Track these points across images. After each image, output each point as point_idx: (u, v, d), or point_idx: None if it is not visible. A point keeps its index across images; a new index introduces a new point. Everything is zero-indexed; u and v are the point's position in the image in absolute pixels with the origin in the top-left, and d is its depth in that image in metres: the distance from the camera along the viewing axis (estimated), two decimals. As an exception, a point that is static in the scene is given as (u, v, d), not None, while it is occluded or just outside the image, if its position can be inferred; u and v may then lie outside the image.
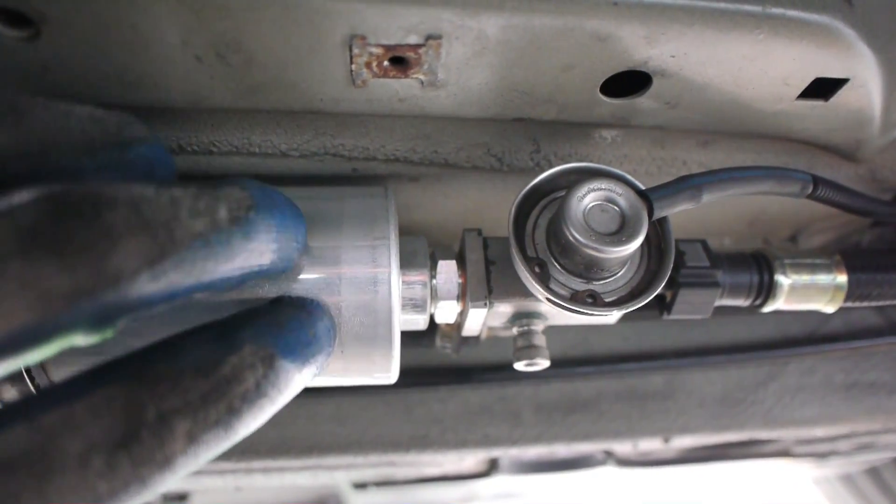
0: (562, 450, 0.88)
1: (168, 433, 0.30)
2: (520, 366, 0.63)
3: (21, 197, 0.26)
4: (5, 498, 0.27)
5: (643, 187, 0.54)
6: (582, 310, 0.53)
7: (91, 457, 0.28)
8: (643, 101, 0.59)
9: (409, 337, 0.74)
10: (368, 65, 0.52)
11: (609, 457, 0.99)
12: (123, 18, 0.48)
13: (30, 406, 0.29)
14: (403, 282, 0.58)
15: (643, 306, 0.54)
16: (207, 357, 0.33)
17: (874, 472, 1.41)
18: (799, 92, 0.58)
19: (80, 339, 0.28)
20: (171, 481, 0.31)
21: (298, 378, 0.35)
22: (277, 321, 0.36)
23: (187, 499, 1.17)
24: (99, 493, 0.29)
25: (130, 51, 0.51)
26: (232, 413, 0.32)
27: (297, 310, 0.39)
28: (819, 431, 0.91)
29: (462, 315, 0.62)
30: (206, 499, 1.17)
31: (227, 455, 0.82)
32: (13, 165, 0.30)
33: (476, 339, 0.69)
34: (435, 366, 0.87)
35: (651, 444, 0.91)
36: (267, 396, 0.34)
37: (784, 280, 0.67)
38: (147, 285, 0.29)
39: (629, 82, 0.58)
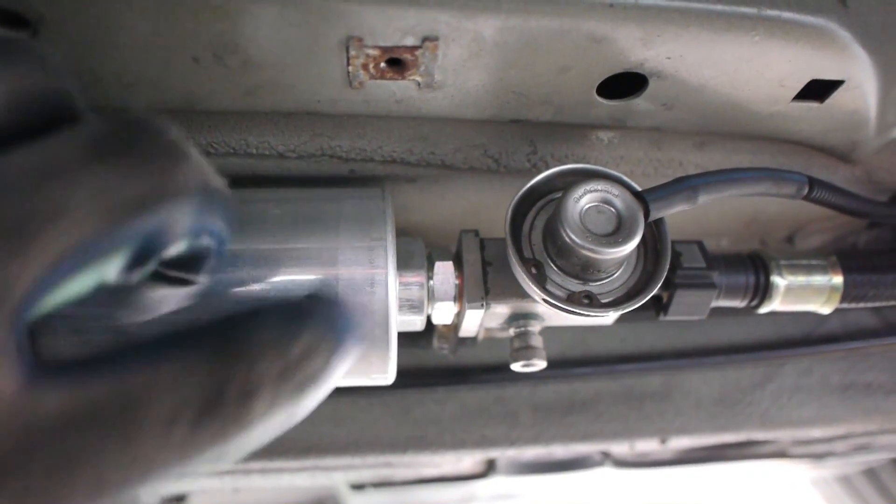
0: (559, 450, 0.88)
1: (250, 402, 0.31)
2: (517, 367, 0.63)
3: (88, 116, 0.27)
4: (89, 454, 0.26)
5: (639, 188, 0.54)
6: (578, 311, 0.53)
7: (178, 418, 0.29)
8: (639, 103, 0.59)
9: (406, 338, 0.74)
10: (365, 66, 0.52)
11: (606, 458, 0.99)
12: (121, 20, 0.48)
13: (116, 361, 0.29)
14: (400, 283, 0.58)
15: (640, 307, 0.54)
16: (281, 336, 0.33)
17: (871, 474, 1.41)
18: (794, 93, 0.59)
19: (113, 270, 0.28)
20: (241, 451, 0.32)
21: (345, 365, 0.36)
22: (334, 313, 0.37)
23: (185, 500, 1.17)
24: (181, 455, 0.29)
25: (127, 52, 0.51)
26: (300, 390, 0.33)
27: (340, 305, 0.40)
28: (816, 432, 0.91)
29: (459, 316, 0.62)
30: (204, 500, 1.17)
31: (225, 456, 0.82)
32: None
33: (473, 340, 0.69)
34: (432, 367, 0.87)
35: (648, 445, 0.91)
36: (325, 379, 0.35)
37: (780, 281, 0.67)
38: (198, 212, 0.30)
39: (625, 84, 0.58)
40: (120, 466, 0.27)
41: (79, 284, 0.27)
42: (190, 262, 0.34)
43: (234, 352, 0.32)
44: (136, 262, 0.29)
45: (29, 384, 0.26)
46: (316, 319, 0.36)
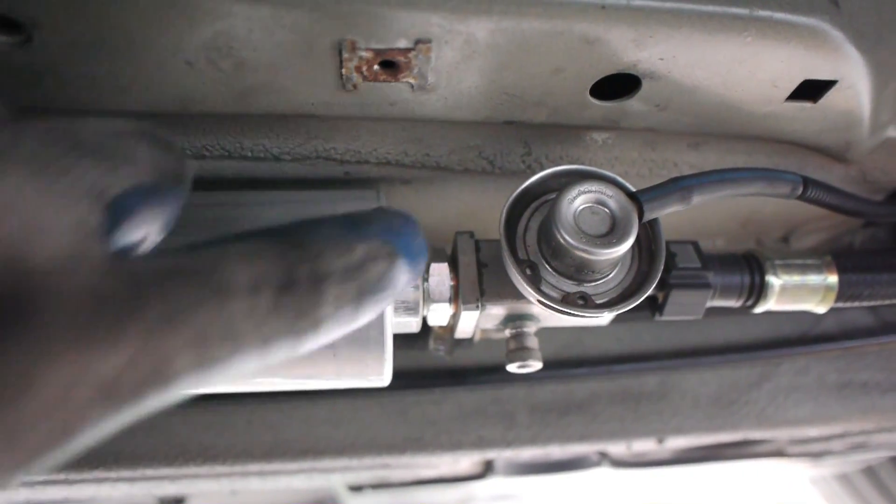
0: (556, 451, 0.88)
1: (320, 292, 0.32)
2: (512, 367, 0.63)
3: None
4: (189, 306, 0.28)
5: (633, 189, 0.54)
6: (573, 311, 0.54)
7: (261, 288, 0.30)
8: (633, 104, 0.59)
9: (402, 339, 0.74)
10: (359, 69, 0.52)
11: (604, 458, 0.99)
12: (115, 23, 0.48)
13: (189, 248, 0.31)
14: (395, 284, 0.58)
15: (636, 307, 0.54)
16: (343, 240, 0.34)
17: (870, 472, 1.42)
18: (787, 94, 0.59)
19: None
20: (310, 346, 0.32)
21: (407, 279, 0.37)
22: (395, 224, 0.38)
23: (184, 502, 1.17)
24: (267, 331, 0.30)
25: (122, 55, 0.51)
26: (361, 296, 0.34)
27: (405, 219, 0.41)
28: (812, 431, 0.92)
29: (455, 317, 0.62)
30: (202, 503, 1.17)
31: (223, 458, 0.82)
32: None
33: (469, 341, 0.69)
34: (429, 368, 0.87)
35: (645, 445, 0.91)
36: (386, 287, 0.35)
37: (775, 281, 0.67)
38: None
39: (619, 85, 0.58)
40: (217, 326, 0.29)
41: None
42: None
43: (300, 242, 0.33)
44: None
45: (124, 252, 0.30)
46: (379, 227, 0.37)
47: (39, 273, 0.27)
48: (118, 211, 0.31)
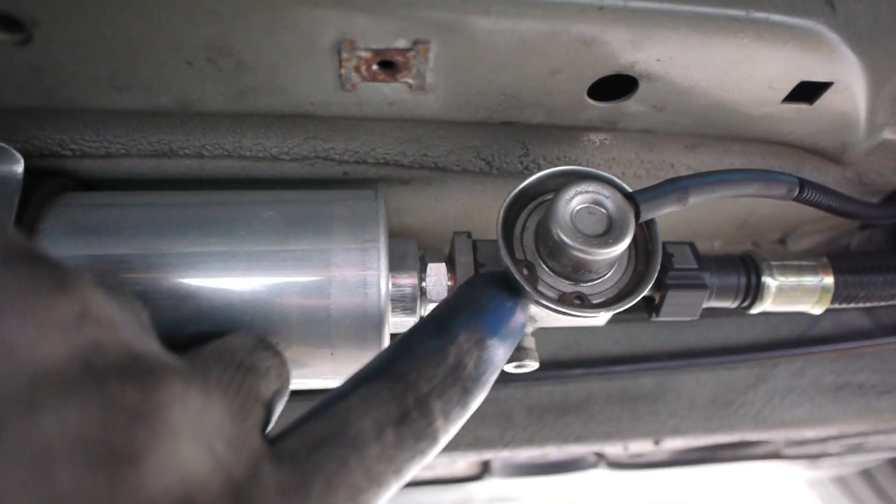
0: (553, 452, 0.88)
1: (429, 412, 0.38)
2: (509, 367, 0.63)
3: None
4: (337, 464, 0.35)
5: (630, 190, 0.54)
6: (569, 311, 0.54)
7: (384, 431, 0.37)
8: (630, 105, 0.60)
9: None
10: (357, 69, 0.52)
11: (600, 459, 1.00)
12: (114, 23, 0.48)
13: (315, 410, 0.38)
14: (393, 284, 0.58)
15: (632, 308, 0.55)
16: (434, 351, 0.41)
17: (867, 474, 1.42)
18: (784, 95, 0.59)
19: None
20: (434, 454, 0.39)
21: (504, 352, 0.43)
22: (479, 305, 0.44)
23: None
24: (398, 463, 0.37)
25: (122, 55, 0.51)
26: (466, 392, 0.40)
27: (490, 289, 0.47)
28: (809, 433, 0.92)
29: (452, 317, 0.62)
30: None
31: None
32: None
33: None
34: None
35: (642, 446, 0.91)
36: (486, 372, 0.41)
37: (771, 282, 0.67)
38: None
39: (616, 86, 0.58)
40: (362, 477, 0.35)
41: None
42: None
43: (400, 375, 0.39)
44: None
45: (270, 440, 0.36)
46: (465, 318, 0.42)
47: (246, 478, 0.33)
48: (270, 409, 0.39)
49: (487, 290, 0.47)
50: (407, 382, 0.39)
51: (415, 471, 0.38)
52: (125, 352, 0.30)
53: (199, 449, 0.30)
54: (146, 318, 0.39)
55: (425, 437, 0.38)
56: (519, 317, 0.48)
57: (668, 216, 0.54)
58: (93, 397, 0.27)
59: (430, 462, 0.87)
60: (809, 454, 1.03)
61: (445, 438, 0.39)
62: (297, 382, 0.58)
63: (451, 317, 0.43)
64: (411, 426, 0.37)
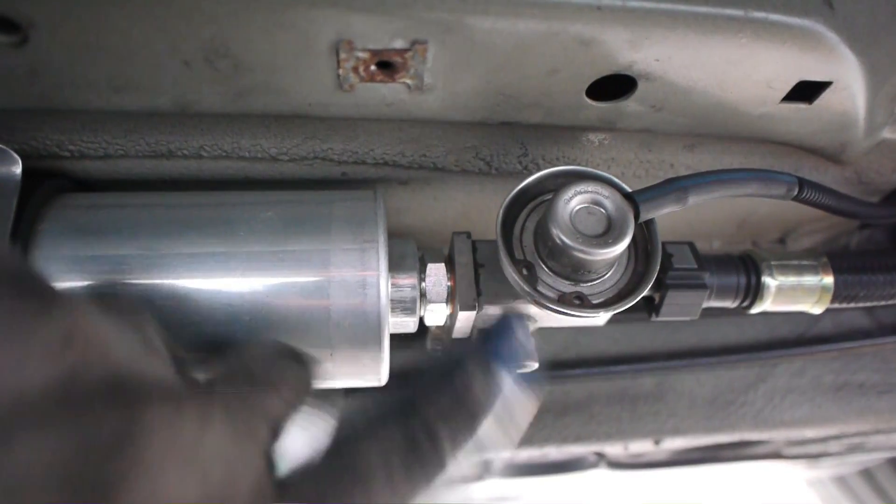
0: (553, 452, 0.88)
1: (435, 437, 0.39)
2: (509, 368, 0.63)
3: None
4: (341, 496, 0.36)
5: (629, 190, 0.54)
6: (569, 311, 0.54)
7: (391, 459, 0.38)
8: (629, 105, 0.60)
9: (399, 339, 0.74)
10: (356, 69, 0.52)
11: (601, 459, 0.99)
12: (111, 24, 0.48)
13: (331, 451, 0.39)
14: (392, 285, 0.58)
15: (632, 308, 0.54)
16: (441, 377, 0.42)
17: (867, 474, 1.42)
18: (783, 95, 0.59)
19: None
20: (443, 478, 0.39)
21: (511, 381, 0.44)
22: (490, 334, 0.48)
23: None
24: (403, 491, 0.38)
25: (119, 56, 0.51)
26: (473, 418, 0.41)
27: (500, 323, 0.51)
28: (809, 432, 0.92)
29: (451, 318, 0.62)
30: None
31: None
32: None
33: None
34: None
35: (642, 446, 0.91)
36: (491, 400, 0.42)
37: (771, 282, 0.67)
38: None
39: (615, 86, 0.58)
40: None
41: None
42: None
43: (405, 405, 0.40)
44: None
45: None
46: (471, 350, 0.44)
47: None
48: (277, 427, 0.39)
49: (501, 323, 0.51)
50: (418, 416, 0.40)
51: (424, 497, 0.39)
52: (112, 375, 0.29)
53: (190, 477, 0.29)
54: (152, 330, 0.38)
55: (431, 464, 0.39)
56: (520, 335, 0.51)
57: (666, 216, 0.54)
58: (70, 426, 0.26)
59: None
60: (810, 454, 1.03)
61: (453, 464, 0.40)
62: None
63: (465, 345, 0.47)
64: (418, 451, 0.39)
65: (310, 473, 0.38)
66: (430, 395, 0.41)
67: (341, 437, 0.40)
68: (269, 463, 0.36)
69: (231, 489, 0.32)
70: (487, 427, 0.42)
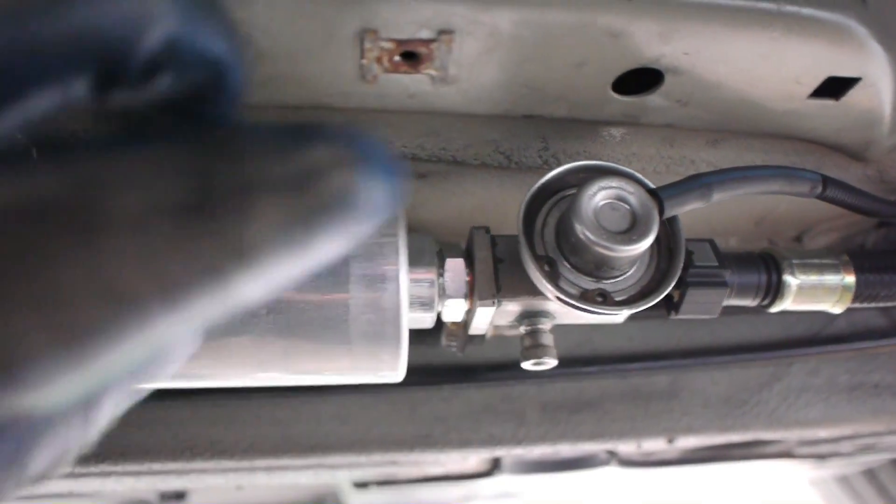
0: (565, 449, 0.87)
1: (246, 205, 0.22)
2: (527, 365, 0.62)
3: None
4: (41, 258, 0.20)
5: (653, 186, 0.53)
6: (592, 309, 0.53)
7: (151, 217, 0.21)
8: (654, 99, 0.59)
9: (413, 335, 0.74)
10: (379, 60, 0.51)
11: (612, 457, 0.99)
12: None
13: (65, 155, 0.22)
14: (411, 279, 0.58)
15: (651, 306, 0.54)
16: (284, 143, 0.24)
17: (870, 474, 1.41)
18: (811, 91, 0.58)
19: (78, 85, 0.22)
20: (244, 289, 0.23)
21: (381, 197, 0.25)
22: (355, 131, 0.26)
23: (185, 498, 1.16)
24: (161, 273, 0.21)
25: (138, 44, 0.50)
26: (314, 213, 0.23)
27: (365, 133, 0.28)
28: (823, 432, 0.91)
29: (469, 313, 0.61)
30: (203, 498, 1.17)
31: (230, 453, 0.81)
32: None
33: (481, 337, 0.69)
34: (438, 364, 0.86)
35: (655, 445, 0.90)
36: (349, 207, 0.24)
37: (792, 280, 0.66)
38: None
39: (640, 79, 0.57)
40: (81, 277, 0.20)
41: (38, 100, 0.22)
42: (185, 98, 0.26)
43: (221, 147, 0.24)
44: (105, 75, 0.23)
45: None
46: (332, 134, 0.25)
47: None
48: None
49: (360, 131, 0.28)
50: (228, 157, 0.23)
51: (201, 310, 0.22)
52: None
53: None
54: None
55: (225, 240, 0.22)
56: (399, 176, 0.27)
57: (684, 213, 0.54)
58: None
59: (441, 459, 0.85)
60: (820, 454, 1.03)
61: (262, 268, 0.22)
62: (312, 378, 0.57)
63: (316, 125, 0.26)
64: (207, 217, 0.21)
65: (7, 179, 0.21)
66: (255, 152, 0.23)
67: (67, 151, 0.22)
68: None
69: None
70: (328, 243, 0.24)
